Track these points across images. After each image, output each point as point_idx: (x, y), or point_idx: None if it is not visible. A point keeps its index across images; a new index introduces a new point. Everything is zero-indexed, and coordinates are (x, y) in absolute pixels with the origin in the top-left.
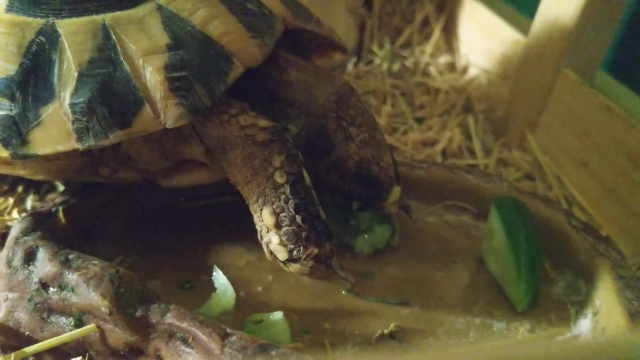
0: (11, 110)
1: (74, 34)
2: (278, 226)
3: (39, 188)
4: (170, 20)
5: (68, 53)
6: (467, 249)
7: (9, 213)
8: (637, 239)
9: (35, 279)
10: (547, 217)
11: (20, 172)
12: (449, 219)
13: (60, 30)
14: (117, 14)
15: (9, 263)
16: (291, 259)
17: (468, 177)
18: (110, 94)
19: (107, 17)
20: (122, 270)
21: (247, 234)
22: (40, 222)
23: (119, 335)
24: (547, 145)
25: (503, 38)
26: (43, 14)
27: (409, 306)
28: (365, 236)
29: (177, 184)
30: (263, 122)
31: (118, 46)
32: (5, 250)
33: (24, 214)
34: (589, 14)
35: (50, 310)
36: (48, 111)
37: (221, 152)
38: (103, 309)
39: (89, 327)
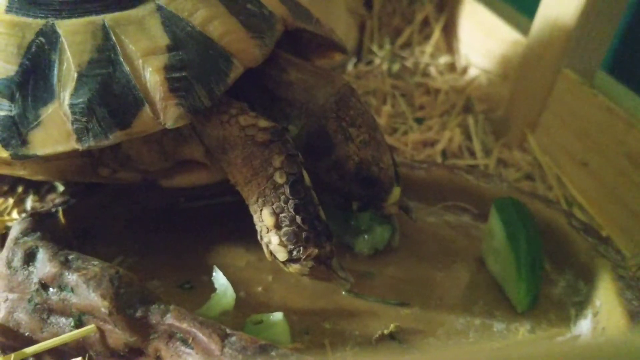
0: (11, 110)
1: (73, 34)
2: (278, 226)
3: (39, 188)
4: (170, 21)
5: (68, 54)
6: (467, 249)
7: (9, 214)
8: (638, 240)
9: (35, 280)
10: (547, 218)
11: (20, 172)
12: (449, 219)
13: (60, 31)
14: (117, 14)
15: (8, 264)
16: (291, 260)
17: (468, 178)
18: (110, 94)
19: (107, 17)
20: (122, 270)
21: (247, 235)
22: (40, 223)
23: (118, 336)
24: (547, 145)
25: (503, 38)
26: (43, 15)
27: (409, 306)
28: (365, 236)
29: (177, 185)
30: (263, 123)
31: (118, 47)
32: (5, 251)
33: (23, 215)
34: (589, 14)
35: (50, 311)
36: (48, 112)
37: (221, 152)
38: (103, 309)
39: (89, 328)
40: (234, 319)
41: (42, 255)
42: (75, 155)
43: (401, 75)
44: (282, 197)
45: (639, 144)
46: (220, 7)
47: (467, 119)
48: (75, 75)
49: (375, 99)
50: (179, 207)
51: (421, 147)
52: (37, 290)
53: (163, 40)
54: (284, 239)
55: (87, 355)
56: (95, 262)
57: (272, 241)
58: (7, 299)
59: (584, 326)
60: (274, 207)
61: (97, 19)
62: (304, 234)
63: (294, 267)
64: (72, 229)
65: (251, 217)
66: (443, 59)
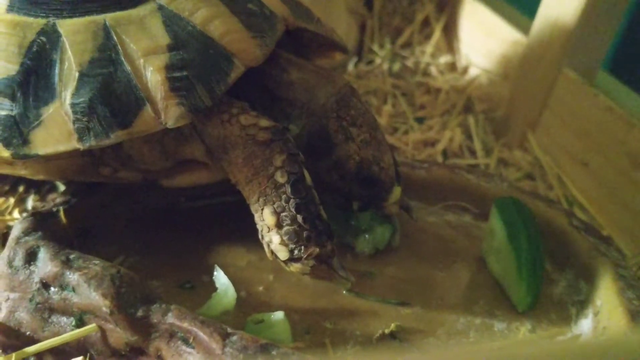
0: (12, 110)
1: (74, 34)
2: (279, 226)
3: (40, 188)
4: (171, 20)
5: (69, 53)
6: (468, 249)
7: (10, 213)
8: (638, 239)
9: (36, 279)
10: (548, 217)
11: (22, 172)
12: (450, 219)
13: (61, 30)
14: (118, 14)
15: (10, 263)
16: (292, 259)
17: (469, 177)
18: (111, 94)
19: (108, 17)
20: (123, 270)
21: (248, 234)
22: (41, 222)
23: (120, 335)
24: (547, 145)
25: (503, 38)
26: (44, 14)
27: (409, 306)
28: (366, 236)
29: (177, 184)
30: (264, 122)
31: (119, 46)
32: (6, 250)
33: (25, 214)
34: (590, 14)
35: (51, 310)
36: (49, 111)
37: (222, 151)
38: (104, 308)
39: (90, 327)
40: (235, 318)
41: (43, 254)
42: (76, 154)
43: (402, 75)
44: (283, 196)
45: (639, 143)
46: (221, 6)
47: (467, 118)
48: (77, 74)
49: (376, 98)
50: (180, 206)
51: (422, 146)
52: (39, 289)
53: (164, 39)
54: (285, 238)
55: (88, 354)
56: (97, 262)
57: (273, 240)
58: (8, 299)
59: (585, 326)
60: (275, 206)
61: (98, 18)
62: (305, 233)
63: (295, 267)
64: (73, 229)
65: (252, 216)
66: (443, 59)
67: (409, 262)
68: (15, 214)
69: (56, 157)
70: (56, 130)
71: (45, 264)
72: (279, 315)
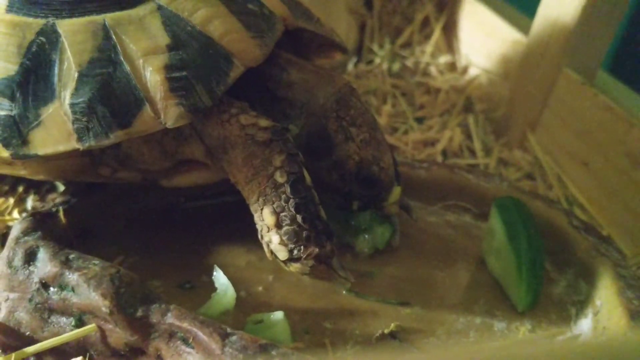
0: (11, 110)
1: (74, 34)
2: (278, 225)
3: (40, 188)
4: (171, 21)
5: (68, 53)
6: (468, 249)
7: (10, 213)
8: (638, 239)
9: (36, 279)
10: (548, 217)
11: (21, 172)
12: (450, 219)
13: (61, 31)
14: (117, 14)
15: (9, 263)
16: (292, 259)
17: (469, 177)
18: (110, 94)
19: (108, 17)
20: (123, 270)
21: (248, 234)
22: (40, 222)
23: (119, 335)
24: (547, 145)
25: (503, 38)
26: (43, 15)
27: (409, 306)
28: (366, 236)
29: (177, 184)
30: (263, 122)
31: (118, 46)
32: (5, 251)
33: (24, 214)
34: (590, 14)
35: (51, 311)
36: (48, 111)
37: (222, 151)
38: (103, 309)
39: (90, 327)
40: (234, 318)
41: (42, 254)
42: (75, 154)
43: (401, 75)
44: (283, 196)
45: (639, 143)
46: (220, 6)
47: (467, 118)
48: (76, 74)
49: (376, 98)
50: (180, 206)
51: (421, 146)
52: (38, 289)
53: (163, 39)
54: (284, 238)
55: (87, 354)
56: (96, 262)
57: (273, 240)
58: (7, 299)
59: (585, 325)
60: (275, 206)
61: (98, 18)
62: (304, 233)
63: (294, 267)
64: (72, 229)
65: (252, 216)
66: (443, 59)
67: (409, 262)
68: (15, 214)
69: (56, 157)
70: (55, 131)
71: (45, 264)
72: (278, 315)
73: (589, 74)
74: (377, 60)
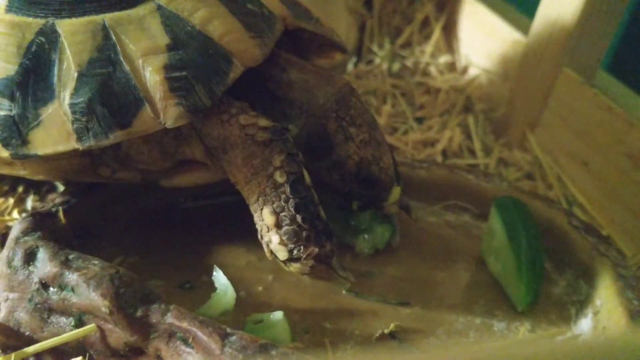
0: (11, 110)
1: (73, 34)
2: (278, 225)
3: (39, 188)
4: (170, 21)
5: (68, 53)
6: (468, 249)
7: (9, 213)
8: (638, 239)
9: (36, 279)
10: (548, 217)
11: (21, 172)
12: (450, 219)
13: (60, 31)
14: (117, 14)
15: (9, 263)
16: (291, 259)
17: (468, 177)
18: (110, 94)
19: (107, 17)
20: (123, 270)
21: (248, 234)
22: (40, 222)
23: (119, 335)
24: (547, 145)
25: (503, 38)
26: (43, 14)
27: (409, 306)
28: (366, 236)
29: (177, 184)
30: (263, 122)
31: (118, 46)
32: (5, 251)
33: (24, 214)
34: (589, 14)
35: (51, 311)
36: (48, 111)
37: (221, 151)
38: (103, 309)
39: (89, 327)
40: (234, 318)
41: (42, 254)
42: (75, 155)
43: (401, 75)
44: (283, 196)
45: (639, 143)
46: (220, 6)
47: (467, 118)
48: (76, 74)
49: (376, 98)
50: (179, 206)
51: (421, 146)
52: (38, 289)
53: (163, 39)
54: (284, 238)
55: (87, 354)
56: (96, 262)
57: (273, 240)
58: (7, 299)
59: (585, 325)
60: (275, 206)
61: (97, 18)
62: (304, 233)
63: (294, 267)
64: (72, 229)
65: (251, 216)
66: (443, 59)
67: (409, 262)
68: (15, 214)
69: (55, 157)
70: (55, 131)
71: (45, 264)
72: (278, 315)
73: (588, 74)
74: (377, 60)
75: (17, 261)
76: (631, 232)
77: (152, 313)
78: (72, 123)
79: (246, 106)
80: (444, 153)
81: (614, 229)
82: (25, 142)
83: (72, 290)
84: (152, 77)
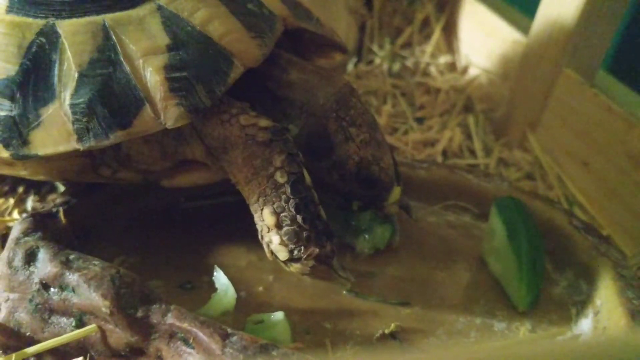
0: (11, 110)
1: (74, 34)
2: (279, 226)
3: (40, 189)
4: (170, 21)
5: (68, 53)
6: (468, 249)
7: (10, 214)
8: (638, 239)
9: (36, 280)
10: (548, 217)
11: (21, 172)
12: (450, 219)
13: (61, 31)
14: (117, 14)
15: (9, 264)
16: (292, 259)
17: (469, 177)
18: (110, 94)
19: (107, 17)
20: (123, 270)
21: (248, 234)
22: (40, 223)
23: (119, 336)
24: (547, 145)
25: (503, 38)
26: (43, 15)
27: (409, 306)
28: (366, 236)
29: (177, 184)
30: (264, 122)
31: (118, 47)
32: (5, 251)
33: (24, 215)
34: (590, 14)
35: (51, 311)
36: (48, 112)
37: (222, 151)
38: (104, 309)
39: (90, 328)
40: (234, 318)
41: (43, 255)
42: (76, 155)
43: (401, 75)
44: (283, 196)
45: (639, 143)
46: (220, 6)
47: (467, 118)
48: (76, 75)
49: (376, 98)
50: (180, 207)
51: (421, 146)
52: (38, 290)
53: (163, 40)
54: (284, 238)
55: (88, 355)
56: (96, 262)
57: (273, 240)
58: (8, 299)
59: (585, 325)
60: (275, 206)
61: (98, 18)
62: (304, 234)
63: (294, 267)
64: (73, 229)
65: (252, 216)
66: (443, 59)
67: (409, 262)
68: (15, 214)
69: (56, 157)
70: (55, 131)
71: (45, 265)
72: (278, 315)
73: (588, 74)
74: (377, 61)
75: (18, 262)
76: (631, 232)
77: (152, 313)
78: (73, 123)
79: (247, 106)
80: (444, 153)
81: (614, 229)
82: (25, 143)
83: (73, 290)
84: (152, 77)
